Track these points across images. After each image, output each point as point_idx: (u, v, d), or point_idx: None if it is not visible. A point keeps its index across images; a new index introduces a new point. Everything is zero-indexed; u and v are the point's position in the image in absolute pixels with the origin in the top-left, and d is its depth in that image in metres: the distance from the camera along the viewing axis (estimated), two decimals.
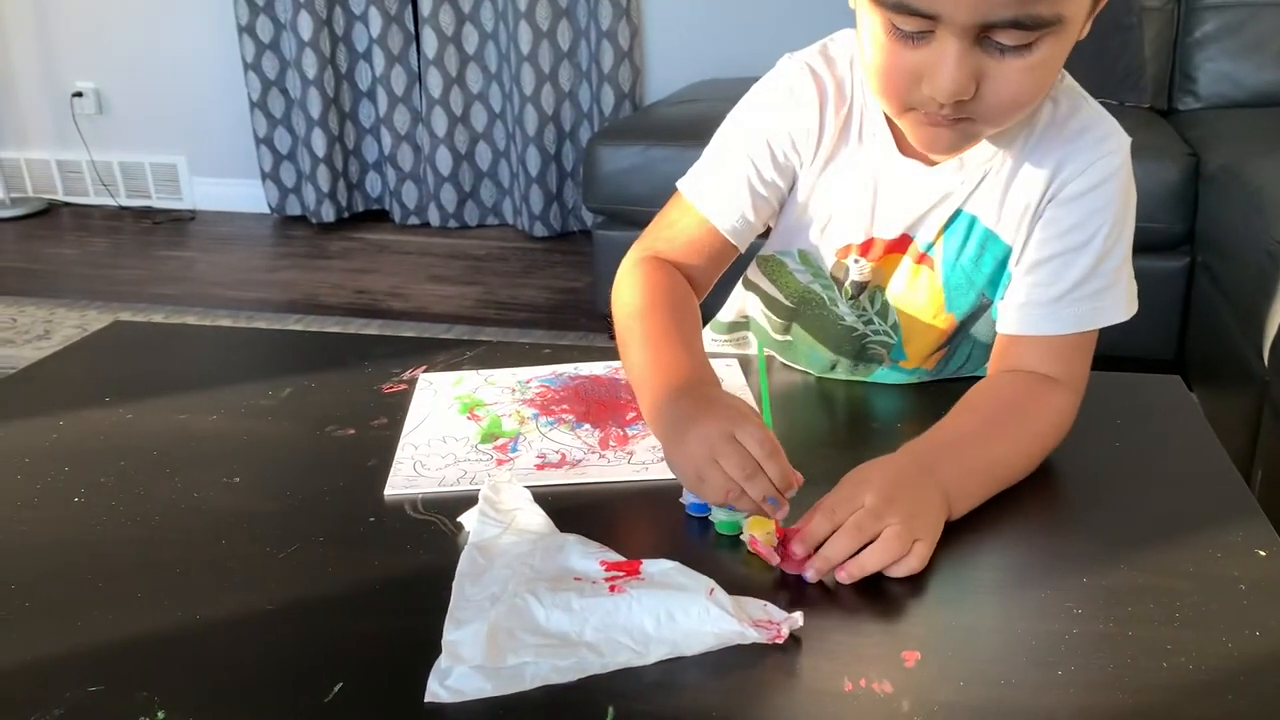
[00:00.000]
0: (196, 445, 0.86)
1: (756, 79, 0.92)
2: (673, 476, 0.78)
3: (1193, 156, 2.17)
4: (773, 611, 0.62)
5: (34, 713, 0.56)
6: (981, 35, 0.68)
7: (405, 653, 0.60)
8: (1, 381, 1.02)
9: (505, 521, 0.71)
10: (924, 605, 0.65)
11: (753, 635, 0.60)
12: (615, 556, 0.66)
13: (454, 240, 3.42)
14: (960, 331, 0.93)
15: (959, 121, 0.74)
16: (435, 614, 0.62)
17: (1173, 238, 2.16)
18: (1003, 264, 0.87)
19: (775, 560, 0.68)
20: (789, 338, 1.01)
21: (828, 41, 0.88)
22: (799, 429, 0.88)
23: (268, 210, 3.67)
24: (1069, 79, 0.84)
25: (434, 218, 3.49)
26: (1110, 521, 0.74)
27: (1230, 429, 1.07)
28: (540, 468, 0.81)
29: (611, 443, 0.85)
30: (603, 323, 0.80)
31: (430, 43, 3.31)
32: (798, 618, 0.61)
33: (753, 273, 1.01)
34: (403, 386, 0.96)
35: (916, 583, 0.67)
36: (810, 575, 0.66)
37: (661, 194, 0.98)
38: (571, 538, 0.69)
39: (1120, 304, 0.84)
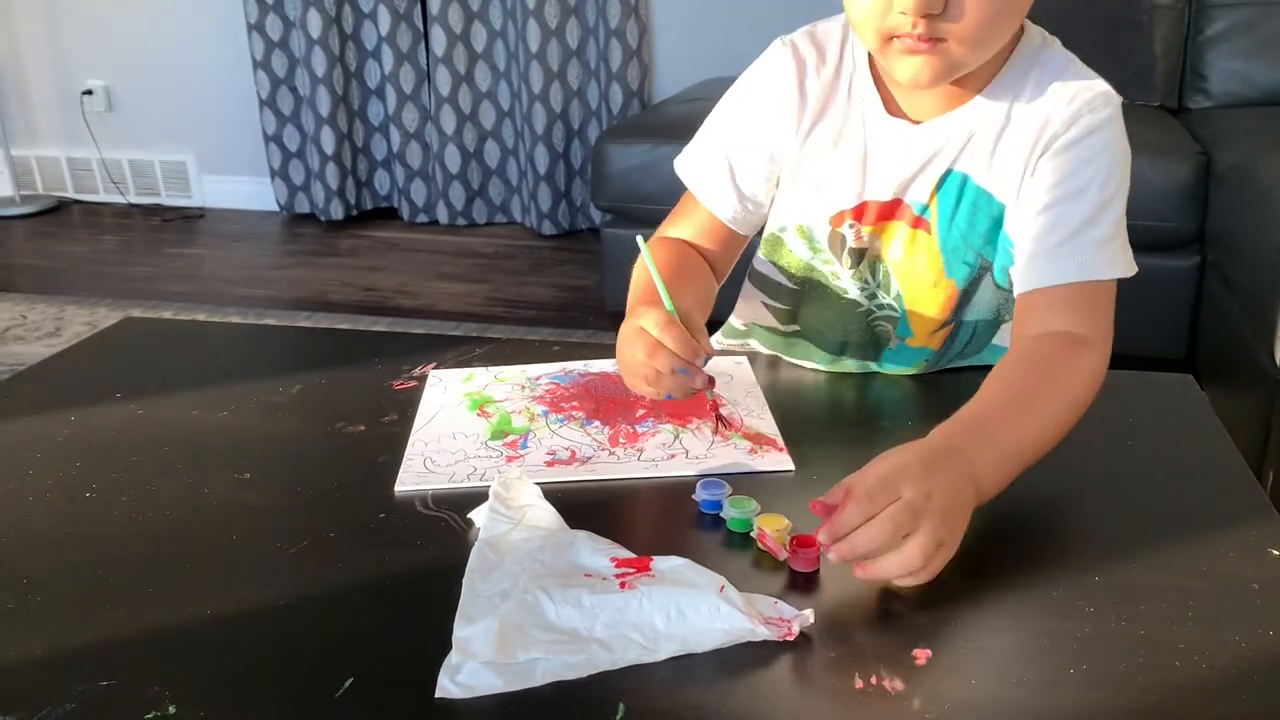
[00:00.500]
0: (207, 441, 0.86)
1: None
2: (683, 474, 0.80)
3: (1203, 155, 2.16)
4: (783, 609, 0.62)
5: (46, 706, 0.57)
6: None
7: (416, 648, 0.60)
8: (13, 377, 1.02)
9: (516, 518, 0.71)
10: (935, 603, 0.64)
11: (763, 632, 0.60)
12: (626, 553, 0.66)
13: (462, 238, 3.42)
14: (962, 303, 0.93)
15: (935, 44, 0.76)
16: (446, 610, 0.62)
17: (1183, 237, 2.15)
18: (998, 223, 0.88)
19: (783, 555, 0.67)
20: (795, 327, 1.00)
21: (821, 20, 0.91)
22: (809, 425, 0.88)
23: (276, 208, 3.68)
24: (1058, 44, 0.86)
25: (442, 215, 3.50)
26: (1123, 519, 0.74)
27: (1240, 428, 1.06)
28: (550, 464, 0.81)
29: (621, 440, 0.85)
30: (611, 320, 0.81)
31: (439, 41, 3.31)
32: (808, 615, 0.61)
33: (757, 262, 1.01)
34: (413, 383, 0.96)
35: (927, 581, 0.67)
36: (833, 557, 0.64)
37: (669, 191, 0.99)
38: (582, 534, 0.69)
39: (1125, 258, 0.84)
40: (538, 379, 0.96)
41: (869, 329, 0.97)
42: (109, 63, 3.75)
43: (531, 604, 0.61)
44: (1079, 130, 0.82)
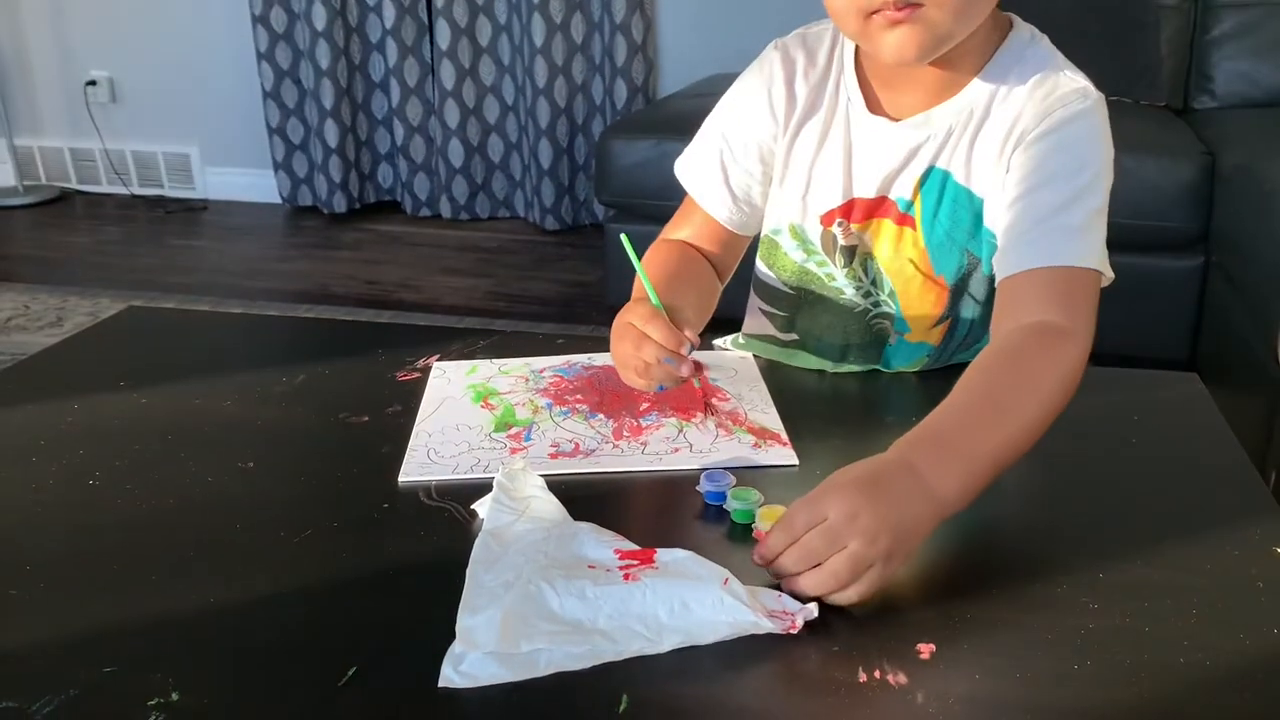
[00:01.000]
0: (210, 430, 0.86)
1: None
2: (686, 468, 0.80)
3: (1208, 155, 2.16)
4: (787, 602, 0.62)
5: (48, 693, 0.57)
6: None
7: (419, 638, 0.60)
8: (16, 365, 1.02)
9: (520, 509, 0.71)
10: (939, 598, 0.64)
11: (767, 625, 0.60)
12: (629, 545, 0.66)
13: (465, 232, 3.41)
14: (955, 298, 0.93)
15: (913, 11, 0.76)
16: (449, 600, 0.62)
17: (1187, 237, 2.15)
18: (978, 218, 0.88)
19: None
20: (794, 336, 1.00)
21: (813, 23, 0.92)
22: (813, 420, 0.88)
23: (280, 200, 3.67)
24: (1046, 42, 0.87)
25: (445, 210, 3.49)
26: (1127, 517, 0.74)
27: (1243, 429, 1.05)
28: (554, 456, 0.81)
29: (625, 433, 0.85)
30: (613, 316, 0.81)
31: (444, 34, 3.31)
32: (812, 608, 0.61)
33: (756, 268, 1.01)
34: (416, 374, 0.96)
35: (932, 575, 0.67)
36: (771, 576, 0.65)
37: (673, 188, 1.00)
38: (585, 526, 0.69)
39: (1100, 253, 0.81)
40: (541, 372, 0.96)
41: (868, 328, 0.97)
42: (113, 54, 3.75)
43: (535, 595, 0.61)
44: (1049, 124, 0.82)
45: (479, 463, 0.81)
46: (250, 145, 3.68)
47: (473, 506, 0.73)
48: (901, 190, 0.89)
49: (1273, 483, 1.58)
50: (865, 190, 0.90)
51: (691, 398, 0.88)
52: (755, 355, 1.01)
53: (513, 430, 0.86)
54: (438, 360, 0.99)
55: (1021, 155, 0.83)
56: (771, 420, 0.87)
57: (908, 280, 0.93)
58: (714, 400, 0.89)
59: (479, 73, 3.37)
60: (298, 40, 3.46)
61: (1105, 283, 0.82)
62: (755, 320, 1.03)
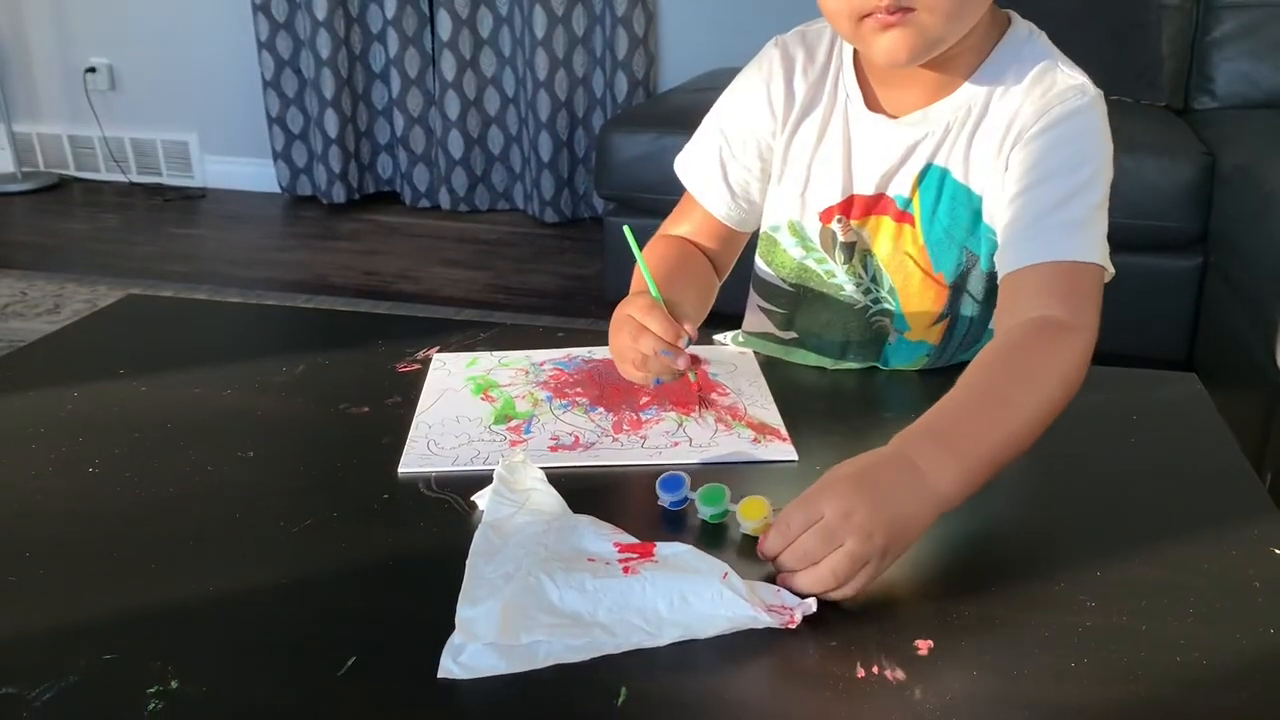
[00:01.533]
0: (210, 419, 0.86)
1: None
2: (685, 461, 0.80)
3: (1208, 156, 2.16)
4: (786, 597, 0.62)
5: (48, 680, 0.57)
6: None
7: (418, 629, 0.61)
8: (16, 352, 1.02)
9: (519, 501, 0.71)
10: (938, 595, 0.65)
11: (766, 620, 0.60)
12: (629, 539, 0.66)
13: (464, 224, 3.41)
14: (954, 295, 0.93)
15: (905, 15, 0.76)
16: (448, 591, 0.62)
17: (1186, 237, 2.15)
18: (977, 215, 0.88)
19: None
20: (793, 334, 1.01)
21: (813, 21, 0.92)
22: (813, 416, 0.88)
23: (279, 190, 3.67)
24: (1044, 39, 0.87)
25: (445, 201, 3.49)
26: (1125, 516, 0.74)
27: (1241, 429, 1.05)
28: (554, 449, 0.81)
29: (625, 426, 0.85)
30: (612, 310, 0.81)
31: (445, 25, 3.30)
32: (811, 603, 0.61)
33: (755, 265, 1.01)
34: (416, 366, 0.96)
35: (931, 572, 0.67)
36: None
37: (673, 182, 1.00)
38: (585, 519, 0.69)
39: (1101, 248, 0.81)
40: (542, 364, 0.96)
41: (868, 326, 0.97)
42: (113, 41, 3.74)
43: (535, 587, 0.61)
44: (1047, 120, 0.82)
45: (479, 455, 0.81)
46: (250, 134, 3.67)
47: (472, 498, 0.74)
48: (900, 187, 0.90)
49: (1269, 483, 1.59)
50: (864, 187, 0.91)
51: (689, 393, 0.89)
52: (755, 352, 1.01)
53: (513, 423, 0.86)
54: (438, 352, 0.99)
55: (1020, 152, 0.83)
56: (771, 416, 0.87)
57: (907, 277, 0.93)
58: (713, 395, 0.90)
59: (480, 64, 3.37)
60: (298, 29, 3.45)
61: (1107, 278, 0.82)
62: (755, 318, 1.03)
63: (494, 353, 0.99)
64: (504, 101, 3.41)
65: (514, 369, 0.95)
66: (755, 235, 1.00)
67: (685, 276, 0.93)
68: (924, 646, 0.60)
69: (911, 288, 0.93)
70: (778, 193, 0.95)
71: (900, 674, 0.57)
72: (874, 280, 0.94)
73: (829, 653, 0.59)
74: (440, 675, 0.57)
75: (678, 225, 1.00)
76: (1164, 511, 0.75)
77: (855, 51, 0.89)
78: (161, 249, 3.21)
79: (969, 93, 0.86)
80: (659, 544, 0.65)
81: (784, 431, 0.84)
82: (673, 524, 0.72)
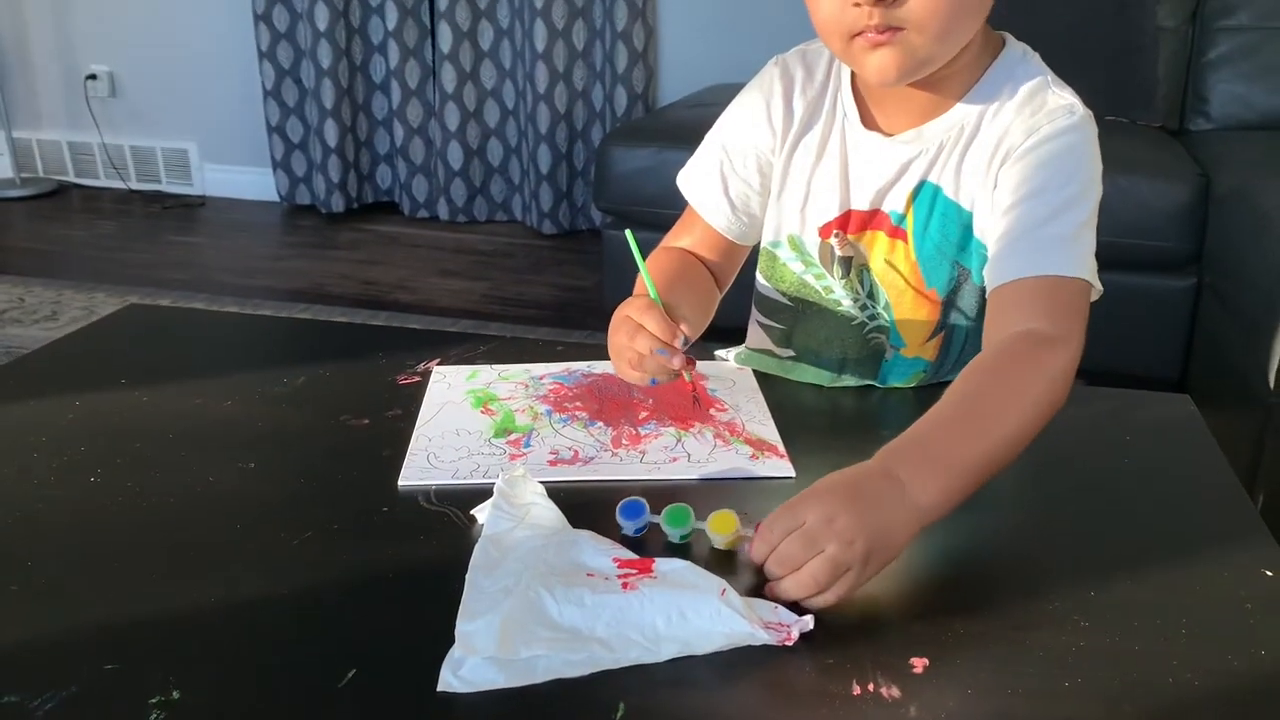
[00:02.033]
0: (211, 430, 0.87)
1: None
2: (684, 477, 0.81)
3: (1203, 177, 2.17)
4: (783, 614, 0.63)
5: (49, 689, 0.57)
6: None
7: (417, 642, 0.61)
8: (19, 360, 1.03)
9: (519, 515, 0.71)
10: (933, 613, 0.65)
11: (763, 636, 0.61)
12: (628, 554, 0.67)
13: (462, 235, 3.42)
14: (946, 310, 0.94)
15: (894, 34, 0.78)
16: (447, 604, 0.63)
17: (1181, 257, 2.16)
18: (967, 230, 0.90)
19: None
20: (791, 351, 1.01)
21: (813, 40, 0.93)
22: (810, 433, 0.89)
23: (277, 199, 3.67)
24: (1037, 61, 0.88)
25: (443, 212, 3.50)
26: (1119, 536, 0.75)
27: (1233, 449, 1.06)
28: (553, 463, 0.82)
29: (624, 441, 0.85)
30: (609, 321, 0.83)
31: (446, 38, 3.31)
32: (808, 620, 0.62)
33: (756, 281, 1.02)
34: (416, 378, 0.97)
35: (926, 591, 0.68)
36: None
37: (671, 195, 1.02)
38: (584, 534, 0.70)
39: (1089, 263, 0.82)
40: (541, 378, 0.97)
41: (865, 343, 0.98)
42: (114, 48, 3.75)
43: (534, 601, 0.62)
44: (1036, 139, 0.84)
45: (478, 468, 0.81)
46: (249, 143, 3.68)
47: (472, 512, 0.74)
48: (894, 203, 0.91)
49: (1261, 503, 1.60)
50: (860, 203, 0.92)
51: (685, 396, 0.90)
52: (754, 370, 1.01)
53: (512, 436, 0.86)
54: (438, 365, 0.99)
55: (1009, 169, 0.85)
56: (769, 432, 0.87)
57: (900, 292, 0.94)
58: (711, 411, 0.90)
59: (480, 76, 3.38)
60: (299, 40, 3.46)
61: (1095, 295, 0.82)
62: (755, 334, 1.04)
63: (494, 366, 1.00)
64: (504, 113, 3.42)
65: (514, 382, 0.96)
66: (756, 251, 1.01)
67: (685, 285, 0.94)
68: (919, 664, 0.60)
69: (905, 303, 0.95)
70: (778, 208, 0.97)
71: (896, 692, 0.58)
72: (870, 295, 0.96)
73: (825, 670, 0.60)
74: (440, 689, 0.57)
75: (680, 238, 1.01)
76: (1157, 532, 0.75)
77: (853, 70, 0.91)
78: (160, 256, 3.21)
79: (962, 112, 0.87)
80: (658, 560, 0.66)
81: (781, 448, 0.85)
82: (636, 548, 0.70)
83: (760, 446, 0.85)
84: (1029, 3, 2.42)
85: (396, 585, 0.67)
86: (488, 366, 0.99)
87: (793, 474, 0.81)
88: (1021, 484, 0.82)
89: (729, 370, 1.00)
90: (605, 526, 0.71)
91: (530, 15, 3.21)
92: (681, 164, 1.01)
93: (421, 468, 0.81)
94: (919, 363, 0.98)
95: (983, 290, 0.89)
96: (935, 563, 0.72)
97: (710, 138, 1.00)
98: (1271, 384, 1.64)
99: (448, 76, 3.35)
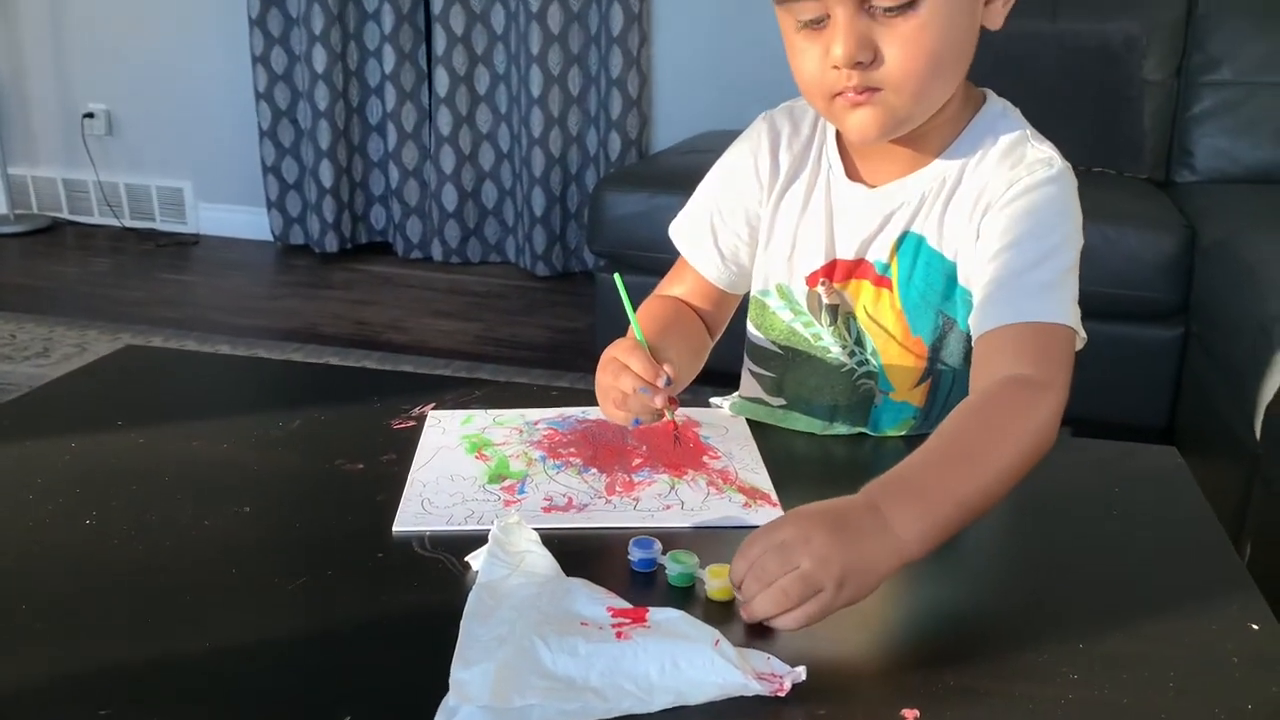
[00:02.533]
0: (207, 473, 0.87)
1: None
2: (678, 525, 0.81)
3: (1189, 229, 2.21)
4: (776, 665, 0.63)
5: None
6: (863, 3, 0.78)
7: (411, 689, 0.61)
8: (15, 400, 1.03)
9: (514, 563, 0.72)
10: (924, 664, 0.66)
11: (756, 687, 0.61)
12: (622, 603, 0.67)
13: (456, 276, 3.44)
14: (934, 357, 0.96)
15: (872, 95, 0.81)
16: (442, 652, 0.63)
17: (1168, 307, 2.19)
18: (951, 280, 0.91)
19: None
20: (782, 400, 1.03)
21: (800, 95, 0.95)
22: (803, 481, 0.89)
23: (271, 238, 3.69)
24: (1016, 115, 0.91)
25: (437, 253, 3.52)
26: (1107, 589, 0.75)
27: (1219, 500, 1.07)
28: (547, 510, 0.83)
29: (618, 488, 0.86)
30: None
31: (442, 82, 3.35)
32: (801, 671, 0.62)
33: (747, 330, 1.04)
34: (411, 423, 0.97)
35: (917, 642, 0.69)
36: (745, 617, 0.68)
37: (664, 240, 1.06)
38: (578, 582, 0.70)
39: (1073, 311, 0.83)
40: (536, 423, 0.98)
41: (855, 389, 0.99)
42: (112, 87, 3.78)
43: (528, 650, 0.62)
44: (1016, 190, 0.86)
45: (473, 514, 0.82)
46: (244, 183, 3.70)
47: (467, 559, 0.74)
48: (879, 253, 0.93)
49: (1249, 554, 1.61)
50: (845, 252, 0.95)
51: (691, 458, 0.91)
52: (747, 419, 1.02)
53: (506, 482, 0.87)
54: (433, 409, 1.00)
55: (991, 220, 0.87)
56: (762, 480, 0.88)
57: (887, 340, 0.96)
58: (704, 458, 0.91)
59: (476, 120, 3.42)
60: (297, 81, 3.50)
61: (1079, 344, 0.84)
62: (747, 383, 1.06)
63: (489, 410, 1.00)
64: (499, 156, 3.46)
65: (508, 427, 0.97)
66: (747, 300, 1.03)
67: (676, 331, 0.97)
68: (910, 716, 0.60)
69: (892, 349, 0.96)
70: (766, 257, 0.99)
71: None
72: (858, 342, 0.97)
73: None
74: None
75: (672, 286, 1.04)
76: (1145, 584, 0.76)
77: None
78: (152, 294, 3.22)
79: (943, 165, 0.90)
80: (651, 609, 0.66)
81: (774, 496, 0.86)
82: (639, 589, 0.72)
83: (753, 495, 0.86)
84: (1019, 57, 2.47)
85: (390, 632, 0.67)
86: (482, 411, 1.00)
87: None
88: (1010, 535, 0.82)
89: (722, 418, 1.01)
90: (599, 574, 0.71)
91: (527, 61, 3.25)
92: (674, 209, 1.04)
93: (416, 513, 0.82)
94: (908, 408, 0.99)
95: (969, 338, 0.90)
96: (925, 614, 0.72)
97: (700, 190, 1.03)
98: (1258, 434, 1.66)
99: (444, 120, 3.38)
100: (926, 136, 0.88)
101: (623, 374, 0.85)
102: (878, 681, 0.64)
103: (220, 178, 3.78)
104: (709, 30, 3.28)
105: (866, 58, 0.79)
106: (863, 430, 1.00)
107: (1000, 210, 0.86)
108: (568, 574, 0.71)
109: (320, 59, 3.37)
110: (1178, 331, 2.20)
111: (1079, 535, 0.83)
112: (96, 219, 3.92)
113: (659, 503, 0.84)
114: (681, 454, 0.91)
